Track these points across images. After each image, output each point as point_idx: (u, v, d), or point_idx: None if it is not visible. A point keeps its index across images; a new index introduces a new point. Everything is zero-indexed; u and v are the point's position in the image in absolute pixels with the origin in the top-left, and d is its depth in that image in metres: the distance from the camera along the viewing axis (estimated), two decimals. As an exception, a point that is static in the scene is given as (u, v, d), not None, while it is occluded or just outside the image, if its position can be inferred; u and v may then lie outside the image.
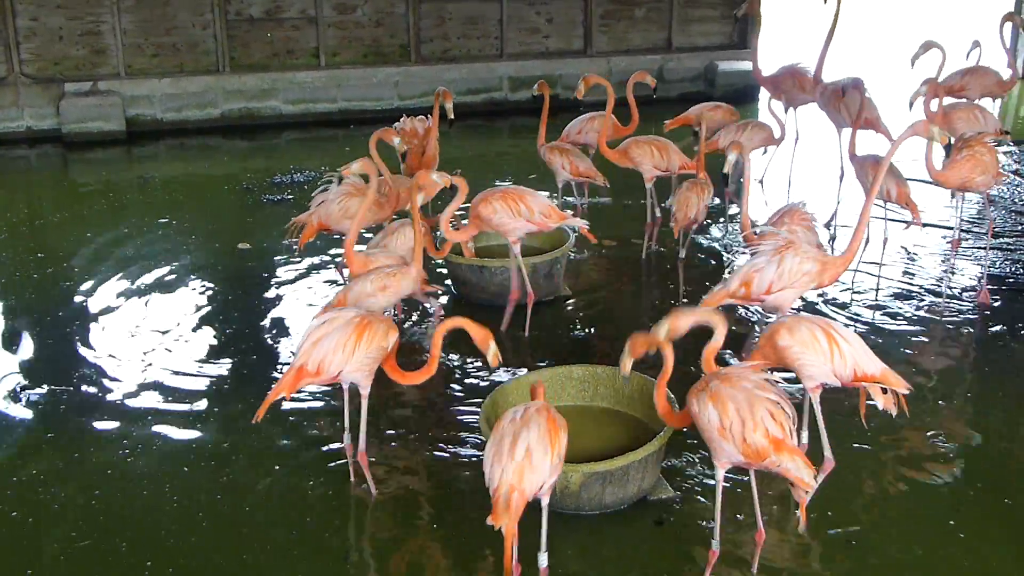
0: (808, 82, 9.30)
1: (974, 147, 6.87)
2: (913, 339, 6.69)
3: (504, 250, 7.50)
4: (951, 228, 8.68)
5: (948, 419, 5.73)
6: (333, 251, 8.35)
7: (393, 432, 5.64)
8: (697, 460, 5.22)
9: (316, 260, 8.25)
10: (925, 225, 8.74)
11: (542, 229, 6.68)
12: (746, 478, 4.63)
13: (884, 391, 4.57)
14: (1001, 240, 8.46)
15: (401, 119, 8.16)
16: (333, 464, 5.27)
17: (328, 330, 4.71)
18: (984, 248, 7.97)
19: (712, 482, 4.39)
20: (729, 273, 5.63)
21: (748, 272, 5.40)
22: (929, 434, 5.54)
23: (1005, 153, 11.42)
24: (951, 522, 4.79)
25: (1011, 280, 7.56)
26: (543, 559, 4.14)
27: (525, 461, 3.93)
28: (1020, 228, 8.77)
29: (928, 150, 6.68)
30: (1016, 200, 9.60)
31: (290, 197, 10.01)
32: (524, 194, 6.59)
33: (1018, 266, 7.82)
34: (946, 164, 6.88)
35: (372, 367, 4.76)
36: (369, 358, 4.71)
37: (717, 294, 5.48)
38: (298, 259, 8.20)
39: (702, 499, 4.92)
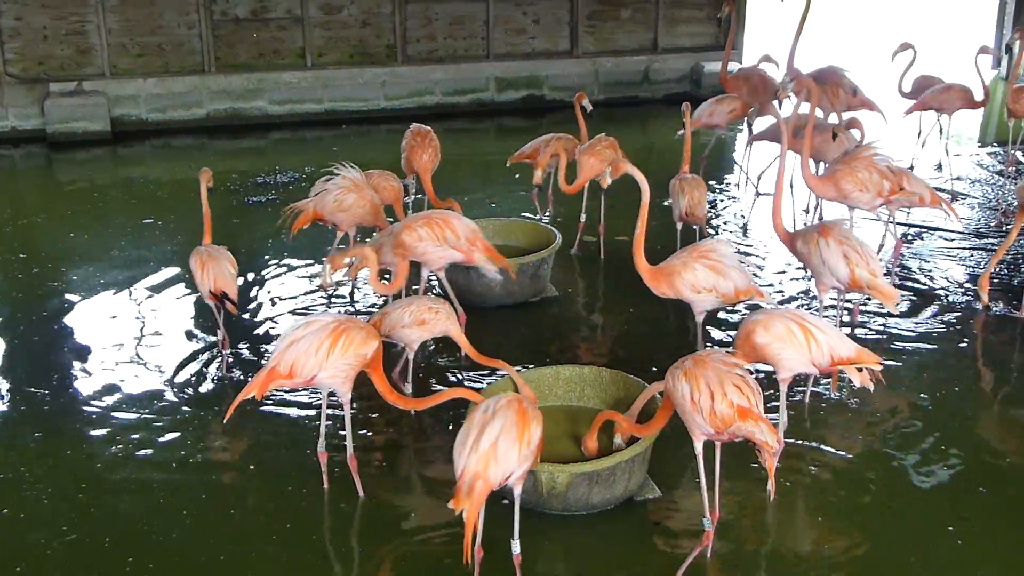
0: (768, 82, 9.45)
1: (851, 163, 6.59)
2: (907, 340, 6.72)
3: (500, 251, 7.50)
4: (947, 231, 8.75)
5: (946, 422, 5.73)
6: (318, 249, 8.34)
7: (379, 434, 5.63)
8: (691, 462, 5.23)
9: (299, 263, 8.22)
10: (911, 226, 8.81)
11: (467, 261, 6.30)
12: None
13: (860, 370, 4.79)
14: (986, 240, 8.50)
15: (412, 125, 8.13)
16: (310, 467, 5.24)
17: (304, 333, 4.65)
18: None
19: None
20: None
21: (872, 254, 5.72)
22: (927, 438, 5.55)
23: (989, 154, 11.47)
24: (950, 528, 4.77)
25: (995, 280, 7.58)
26: (515, 546, 4.20)
27: (490, 451, 4.00)
28: (1005, 229, 8.80)
29: (804, 156, 6.50)
30: (1001, 200, 9.65)
31: (274, 197, 9.99)
32: (449, 218, 6.23)
33: (1002, 266, 7.84)
34: (824, 173, 6.66)
35: (350, 374, 4.71)
36: (345, 364, 4.65)
37: (887, 287, 5.70)
38: (278, 262, 8.21)
39: (693, 499, 4.94)
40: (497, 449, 4.01)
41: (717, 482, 4.47)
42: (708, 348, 4.78)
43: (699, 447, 4.37)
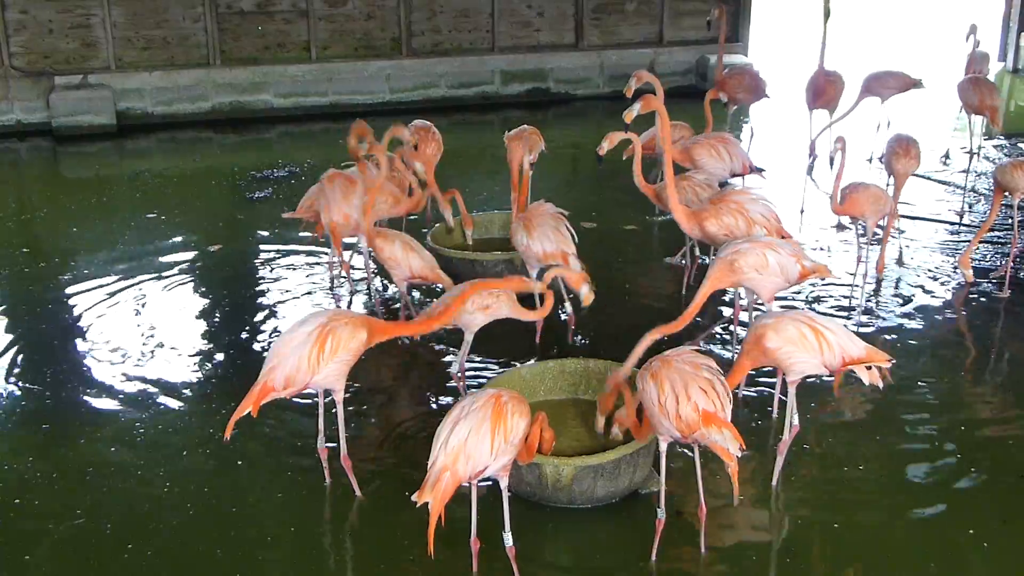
0: (760, 81, 9.60)
1: (719, 204, 5.97)
2: (910, 335, 6.71)
3: (501, 244, 7.52)
4: (943, 222, 8.74)
5: (955, 422, 5.68)
6: (314, 250, 8.34)
7: (379, 432, 5.63)
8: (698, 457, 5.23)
9: (298, 260, 8.22)
10: (913, 218, 8.82)
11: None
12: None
13: (868, 368, 4.70)
14: (992, 234, 8.48)
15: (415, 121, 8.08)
16: (314, 462, 5.23)
17: (290, 347, 4.62)
18: None
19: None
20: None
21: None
22: (932, 439, 5.51)
23: (996, 146, 11.43)
24: (970, 531, 4.70)
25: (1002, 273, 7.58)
26: (507, 538, 4.23)
27: (461, 447, 4.06)
28: (1010, 222, 8.77)
29: (670, 186, 5.95)
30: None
31: (277, 191, 9.98)
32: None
33: (1007, 259, 7.82)
34: (695, 208, 6.11)
35: (343, 370, 4.73)
36: (338, 363, 4.67)
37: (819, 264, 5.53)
38: (276, 260, 8.21)
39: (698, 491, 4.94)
40: (467, 445, 4.06)
41: (699, 477, 4.46)
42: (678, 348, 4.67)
43: (663, 447, 4.40)
